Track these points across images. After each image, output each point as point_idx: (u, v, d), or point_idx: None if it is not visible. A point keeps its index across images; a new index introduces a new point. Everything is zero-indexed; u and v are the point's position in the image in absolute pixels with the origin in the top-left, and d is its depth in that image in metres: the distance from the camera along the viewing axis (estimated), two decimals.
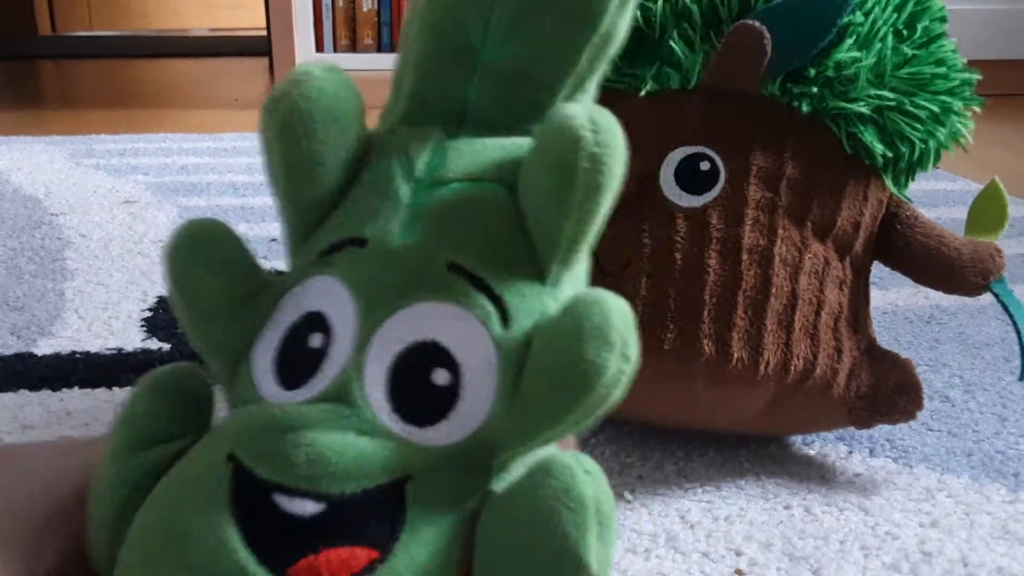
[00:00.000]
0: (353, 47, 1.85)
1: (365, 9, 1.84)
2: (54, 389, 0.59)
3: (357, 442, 0.24)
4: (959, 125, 0.47)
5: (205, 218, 0.27)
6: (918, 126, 0.45)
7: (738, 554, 0.42)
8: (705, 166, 0.44)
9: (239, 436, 0.25)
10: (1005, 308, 0.47)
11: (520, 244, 0.26)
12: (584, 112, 0.24)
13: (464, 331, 0.25)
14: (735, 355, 0.42)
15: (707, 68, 0.43)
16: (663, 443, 0.51)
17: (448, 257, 0.25)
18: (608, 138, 0.24)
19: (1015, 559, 0.42)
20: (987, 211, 0.48)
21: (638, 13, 0.44)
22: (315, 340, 0.25)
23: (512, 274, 0.25)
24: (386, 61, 1.83)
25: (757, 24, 0.41)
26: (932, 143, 0.46)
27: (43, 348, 0.65)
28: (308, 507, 0.23)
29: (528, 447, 0.24)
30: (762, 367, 0.43)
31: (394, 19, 1.85)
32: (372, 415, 0.24)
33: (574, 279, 0.27)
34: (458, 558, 0.24)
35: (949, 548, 0.43)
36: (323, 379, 0.25)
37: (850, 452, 0.51)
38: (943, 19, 0.47)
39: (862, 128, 0.44)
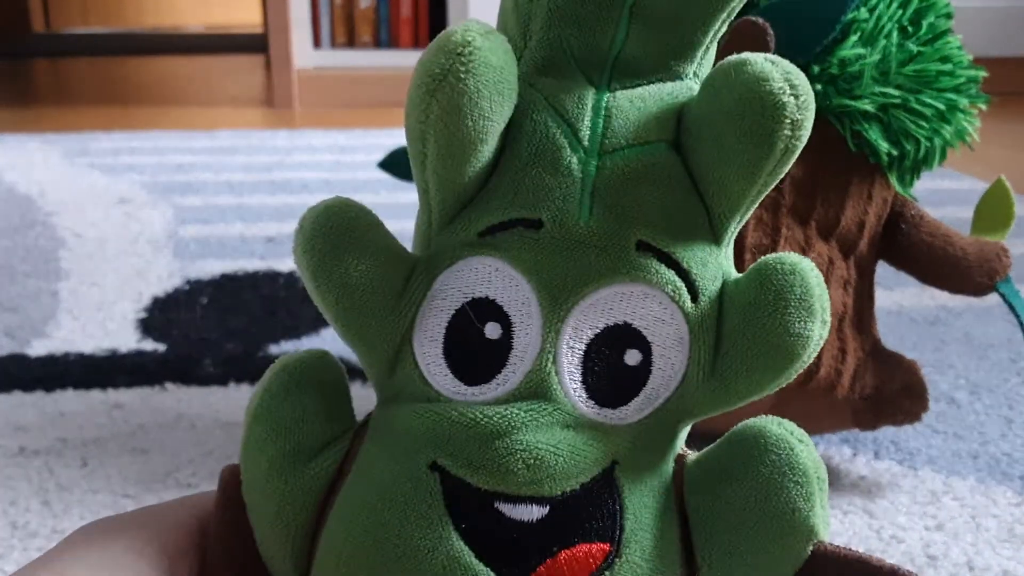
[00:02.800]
0: (350, 44, 1.84)
1: (363, 6, 1.83)
2: (48, 390, 0.58)
3: (567, 438, 0.23)
4: (965, 123, 0.46)
5: (340, 199, 0.25)
6: (923, 124, 0.44)
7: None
8: None
9: (440, 444, 0.23)
10: (1011, 308, 0.46)
11: (693, 207, 0.25)
12: (778, 72, 0.23)
13: (655, 310, 0.24)
14: None
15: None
16: None
17: (635, 236, 0.24)
18: (807, 99, 0.23)
19: (1021, 562, 0.41)
20: (993, 210, 0.47)
21: None
22: (492, 331, 0.24)
23: (693, 242, 0.24)
24: (384, 58, 1.83)
25: (760, 20, 0.41)
26: (937, 141, 0.45)
27: (37, 349, 0.64)
28: (534, 512, 0.23)
29: (718, 412, 0.25)
30: None
31: (392, 16, 1.84)
32: (572, 406, 0.24)
33: None
34: (679, 534, 0.24)
35: (955, 551, 0.42)
36: (514, 373, 0.24)
37: (855, 454, 0.51)
38: (949, 16, 0.46)
39: (867, 126, 0.43)
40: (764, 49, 0.41)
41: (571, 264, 0.24)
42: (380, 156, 0.66)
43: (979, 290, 0.46)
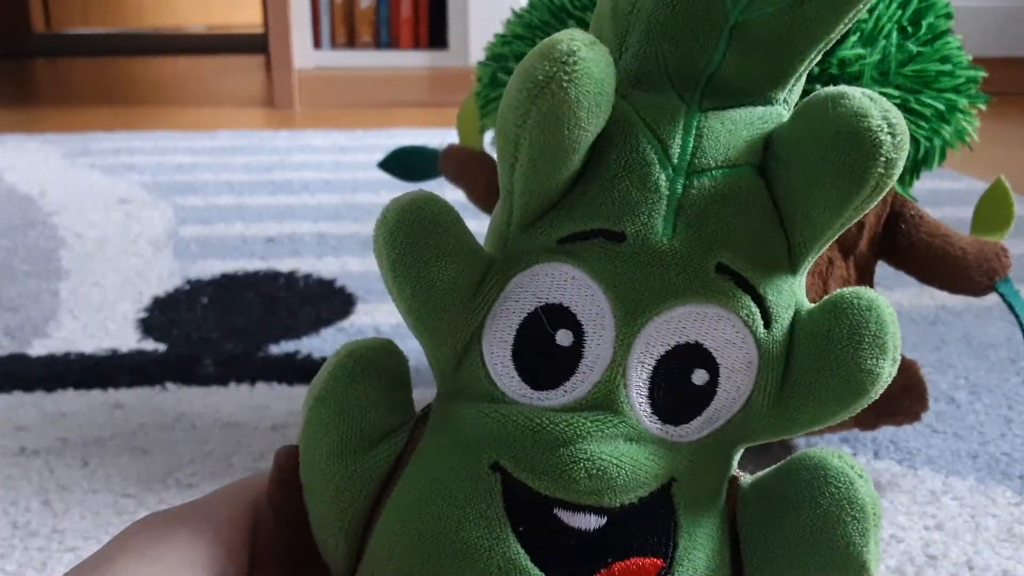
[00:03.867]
0: (351, 44, 1.84)
1: (363, 6, 1.83)
2: (48, 390, 0.58)
3: (629, 451, 0.23)
4: (964, 123, 0.46)
5: (424, 193, 0.25)
6: (923, 124, 0.44)
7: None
8: None
9: (503, 445, 0.24)
10: (1011, 308, 0.46)
11: (775, 234, 0.25)
12: (877, 109, 0.23)
13: (728, 332, 0.24)
14: None
15: None
16: None
17: (715, 258, 0.24)
18: (903, 139, 0.23)
19: (1021, 562, 0.41)
20: (993, 210, 0.47)
21: None
22: (563, 338, 0.24)
23: (771, 270, 0.25)
24: (384, 58, 1.83)
25: None
26: (937, 141, 0.45)
27: (37, 349, 0.64)
28: (592, 521, 0.23)
29: (776, 439, 0.25)
30: None
31: (392, 16, 1.84)
32: (636, 420, 0.24)
33: None
34: (729, 556, 0.24)
35: (954, 551, 0.42)
36: (582, 382, 0.24)
37: (854, 454, 0.51)
38: (949, 16, 0.46)
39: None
40: None
41: (649, 280, 0.24)
42: (380, 156, 0.66)
43: (978, 290, 0.46)
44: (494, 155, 0.58)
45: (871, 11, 0.43)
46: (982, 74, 0.47)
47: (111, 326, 0.68)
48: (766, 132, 0.25)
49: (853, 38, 0.43)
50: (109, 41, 2.85)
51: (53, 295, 0.74)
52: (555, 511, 0.23)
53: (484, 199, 0.55)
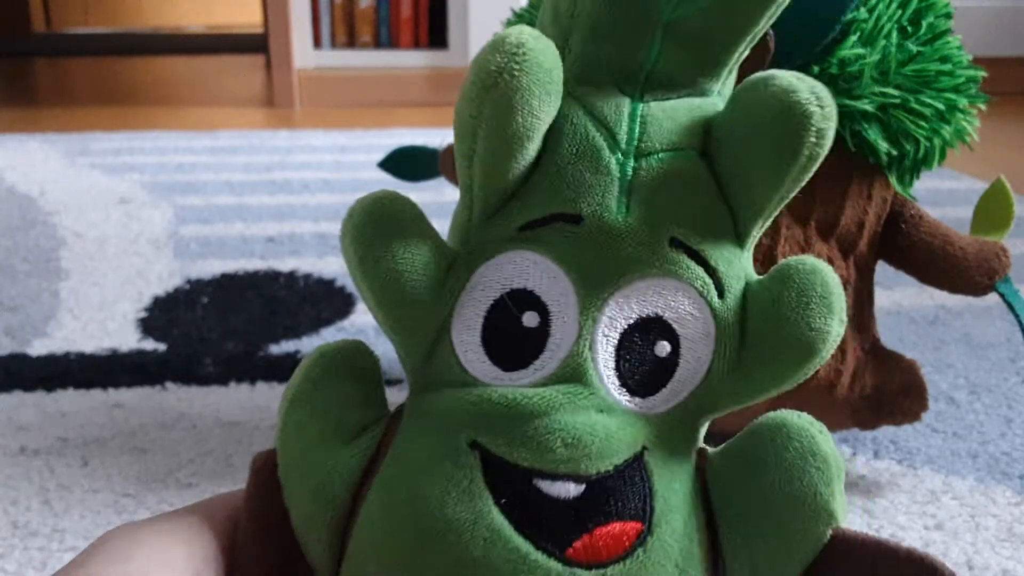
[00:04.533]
0: (351, 44, 1.84)
1: (363, 6, 1.83)
2: (49, 390, 0.58)
3: (602, 421, 0.24)
4: (964, 123, 0.46)
5: (388, 192, 0.26)
6: (923, 124, 0.44)
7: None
8: None
9: (479, 423, 0.24)
10: (1011, 308, 0.46)
11: (721, 210, 0.26)
12: (804, 85, 0.25)
13: (685, 304, 0.25)
14: None
15: None
16: None
17: (668, 233, 0.25)
18: (831, 110, 0.25)
19: (1020, 561, 0.41)
20: (993, 210, 0.47)
21: None
22: (530, 319, 0.25)
23: (720, 243, 0.26)
24: (384, 58, 1.83)
25: None
26: (937, 141, 0.45)
27: (37, 349, 0.64)
28: (571, 489, 0.24)
29: (738, 407, 0.26)
30: None
31: (392, 16, 1.84)
32: (605, 392, 0.25)
33: None
34: (703, 520, 0.25)
35: (954, 551, 0.42)
36: (551, 359, 0.25)
37: (854, 454, 0.51)
38: (948, 16, 0.46)
39: (866, 126, 0.43)
40: (764, 49, 0.41)
41: (608, 257, 0.25)
42: (380, 156, 0.66)
43: (978, 290, 0.46)
44: None
45: (871, 11, 0.43)
46: (982, 74, 0.47)
47: (111, 326, 0.68)
48: (705, 118, 0.27)
49: (853, 38, 0.43)
50: (109, 41, 2.85)
51: (53, 295, 0.74)
52: (534, 481, 0.24)
53: None
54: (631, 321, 0.25)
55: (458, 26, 1.79)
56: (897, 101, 0.43)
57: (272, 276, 0.80)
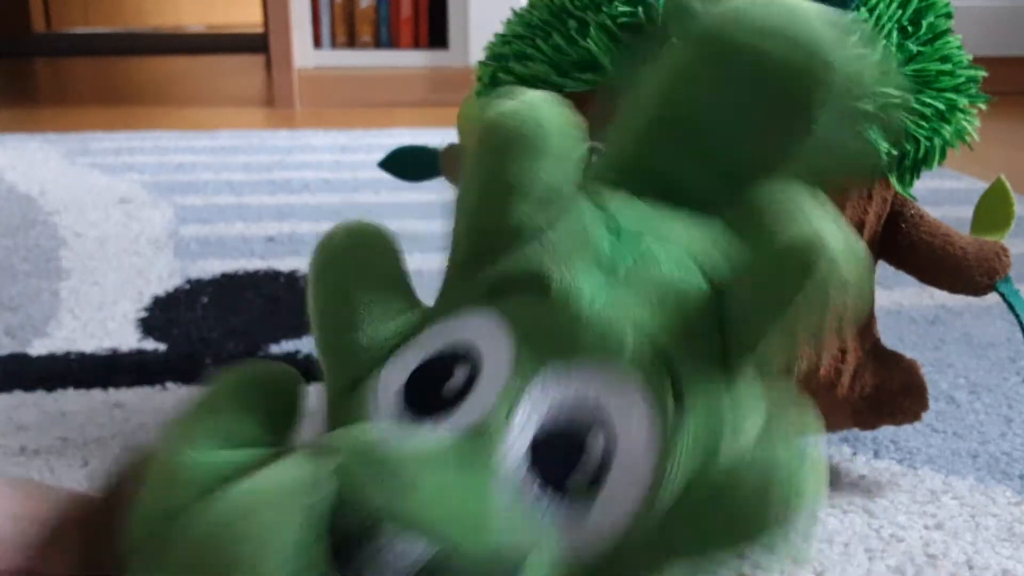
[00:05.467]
0: (351, 44, 1.84)
1: (363, 6, 1.83)
2: (49, 390, 0.58)
3: (483, 494, 0.22)
4: (965, 123, 0.46)
5: (365, 223, 0.25)
6: (923, 124, 0.44)
7: (741, 557, 0.41)
8: None
9: (353, 457, 0.22)
10: (1011, 308, 0.46)
11: (710, 333, 0.24)
12: (837, 241, 0.23)
13: (632, 406, 0.23)
14: None
15: None
16: None
17: (645, 328, 0.23)
18: (855, 275, 0.23)
19: (1021, 561, 0.42)
20: (993, 210, 0.47)
21: (640, 8, 0.43)
22: (458, 374, 0.24)
23: (698, 361, 0.23)
24: (384, 58, 1.83)
25: None
26: (937, 141, 0.45)
27: (37, 348, 0.64)
28: (417, 550, 0.21)
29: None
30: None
31: (392, 16, 1.84)
32: (507, 469, 0.22)
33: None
34: None
35: (954, 550, 0.42)
36: (464, 418, 0.23)
37: (854, 454, 0.51)
38: (949, 15, 0.46)
39: (866, 125, 0.43)
40: None
41: (563, 336, 0.23)
42: (380, 156, 0.66)
43: (979, 290, 0.46)
44: None
45: (871, 11, 0.43)
46: (982, 74, 0.47)
47: (111, 326, 0.68)
48: (715, 238, 0.25)
49: (853, 38, 0.42)
50: (109, 41, 2.85)
51: (53, 295, 0.74)
52: (381, 526, 0.21)
53: None
54: (565, 402, 0.23)
55: (458, 26, 1.79)
56: (896, 102, 0.43)
57: (272, 276, 0.80)
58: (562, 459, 0.22)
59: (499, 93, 0.24)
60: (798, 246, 0.22)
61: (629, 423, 0.22)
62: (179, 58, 2.55)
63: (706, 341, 0.24)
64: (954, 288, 0.47)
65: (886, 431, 0.52)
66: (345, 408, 0.25)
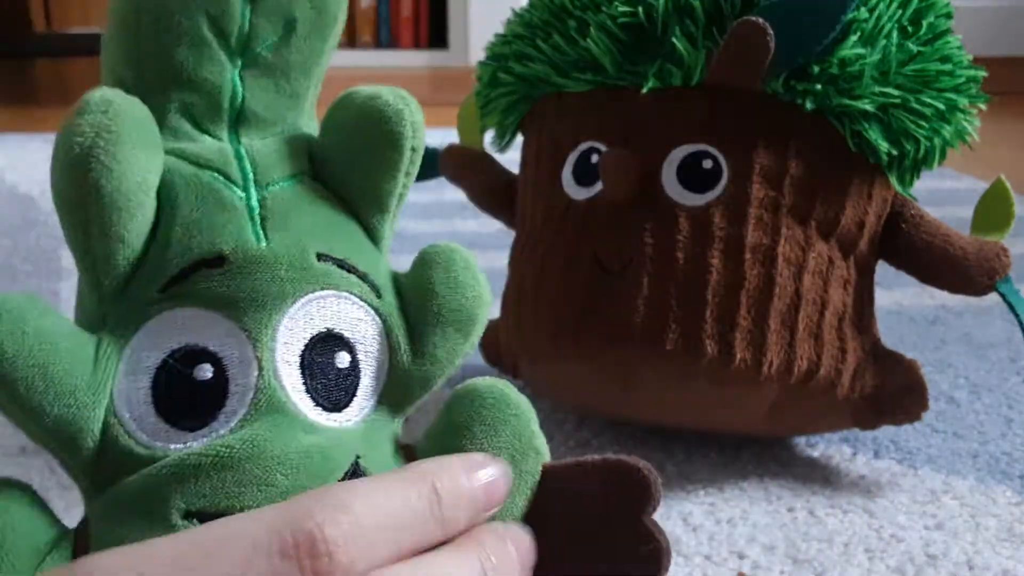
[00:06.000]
0: (351, 44, 1.84)
1: (363, 6, 1.83)
2: None
3: (311, 441, 0.24)
4: (965, 123, 0.46)
5: (9, 296, 0.25)
6: (923, 124, 0.44)
7: (741, 557, 0.41)
8: (708, 164, 0.43)
9: (187, 489, 0.23)
10: (1011, 308, 0.46)
11: (349, 222, 0.28)
12: (384, 89, 0.27)
13: (351, 311, 0.26)
14: (738, 355, 0.42)
15: (710, 65, 0.43)
16: (664, 444, 0.51)
17: (313, 249, 0.26)
18: (416, 106, 0.27)
19: (1021, 561, 0.42)
20: (993, 210, 0.47)
21: (640, 8, 0.43)
22: (203, 371, 0.24)
23: (360, 249, 0.27)
24: (385, 58, 1.83)
25: (760, 20, 0.41)
26: (937, 141, 0.45)
27: None
28: None
29: (429, 391, 0.28)
30: (765, 367, 0.42)
31: (392, 16, 1.84)
32: (304, 416, 0.25)
33: None
34: None
35: (954, 551, 0.42)
36: (240, 403, 0.24)
37: (854, 454, 0.51)
38: (949, 15, 0.46)
39: (866, 126, 0.43)
40: (763, 48, 0.41)
41: (262, 287, 0.25)
42: None
43: (979, 290, 0.46)
44: (495, 155, 0.58)
45: (871, 10, 0.43)
46: (982, 74, 0.47)
47: None
48: (305, 145, 0.28)
49: (853, 38, 0.43)
50: None
51: (54, 295, 0.74)
52: None
53: (484, 199, 0.55)
54: (305, 341, 0.25)
55: (458, 26, 1.79)
56: (897, 101, 0.43)
57: None
58: (328, 386, 0.26)
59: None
60: (380, 115, 0.27)
61: (357, 329, 0.26)
62: None
63: (354, 232, 0.27)
64: (954, 288, 0.47)
65: (886, 431, 0.52)
66: (107, 468, 0.24)
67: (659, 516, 0.44)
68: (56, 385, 0.24)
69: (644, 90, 0.43)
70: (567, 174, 0.46)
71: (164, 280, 0.25)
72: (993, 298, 0.48)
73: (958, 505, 0.46)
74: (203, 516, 0.23)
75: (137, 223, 0.25)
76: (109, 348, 0.25)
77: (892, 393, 0.46)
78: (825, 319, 0.44)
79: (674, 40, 0.43)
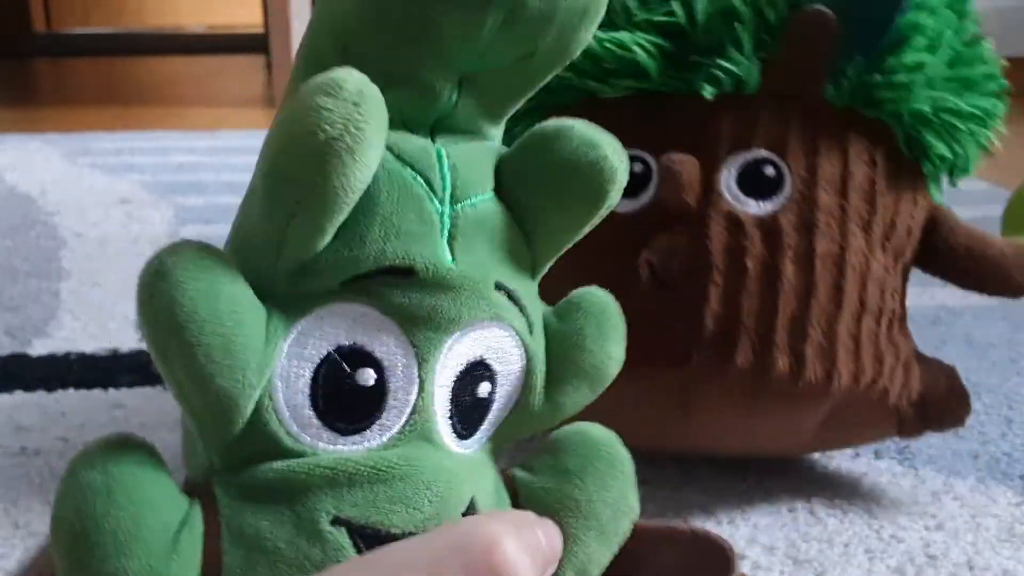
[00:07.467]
0: None
1: None
2: (49, 390, 0.58)
3: (448, 468, 0.25)
4: (996, 127, 0.46)
5: (192, 242, 0.24)
6: (972, 127, 0.44)
7: (741, 557, 0.41)
8: (769, 171, 0.42)
9: (340, 495, 0.23)
10: None
11: (523, 250, 0.27)
12: (605, 139, 0.26)
13: (506, 345, 0.26)
14: (808, 369, 0.40)
15: (766, 68, 0.42)
16: None
17: (493, 277, 0.26)
18: (626, 162, 0.26)
19: (1021, 562, 0.42)
20: (1022, 212, 0.47)
21: (682, 12, 0.42)
22: (365, 376, 0.24)
23: (525, 281, 0.27)
24: None
25: (827, 10, 0.40)
26: (975, 146, 0.45)
27: (38, 349, 0.64)
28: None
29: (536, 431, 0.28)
30: (835, 381, 0.41)
31: None
32: (445, 443, 0.25)
33: None
34: None
35: (955, 551, 0.42)
36: (396, 418, 0.25)
37: (855, 454, 0.51)
38: (976, 20, 0.46)
39: (922, 130, 0.43)
40: (830, 39, 0.40)
41: (442, 307, 0.25)
42: None
43: (1018, 290, 0.46)
44: None
45: (932, 14, 0.42)
46: (1003, 82, 0.46)
47: (112, 326, 0.68)
48: (495, 159, 0.27)
49: (922, 41, 0.42)
50: (110, 41, 2.85)
51: (54, 295, 0.74)
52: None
53: None
54: (462, 367, 0.25)
55: None
56: (950, 105, 0.43)
57: None
58: (466, 414, 0.26)
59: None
60: (597, 169, 0.26)
61: (504, 362, 0.26)
62: (179, 58, 2.55)
63: (524, 261, 0.27)
64: (995, 291, 0.46)
65: None
66: (246, 447, 0.24)
67: (659, 516, 0.44)
68: (233, 359, 0.22)
69: (707, 96, 0.42)
70: None
71: (350, 276, 0.24)
72: (993, 298, 0.48)
73: (958, 506, 0.46)
74: (350, 525, 0.23)
75: (343, 216, 0.23)
76: (277, 326, 0.24)
77: (937, 398, 0.45)
78: (882, 327, 0.43)
79: (727, 45, 0.41)
